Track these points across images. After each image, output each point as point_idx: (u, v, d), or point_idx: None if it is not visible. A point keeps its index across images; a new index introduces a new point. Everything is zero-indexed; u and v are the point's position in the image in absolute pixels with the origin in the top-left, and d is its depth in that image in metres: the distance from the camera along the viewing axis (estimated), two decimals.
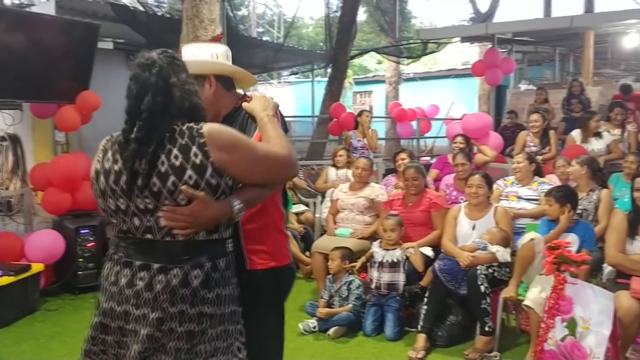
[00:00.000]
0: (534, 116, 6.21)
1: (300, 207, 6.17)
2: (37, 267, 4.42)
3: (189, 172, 1.58)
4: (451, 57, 20.88)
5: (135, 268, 1.63)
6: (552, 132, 6.25)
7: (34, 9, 5.70)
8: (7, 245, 4.51)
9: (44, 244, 4.58)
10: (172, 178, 1.58)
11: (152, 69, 1.63)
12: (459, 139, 5.80)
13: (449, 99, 14.24)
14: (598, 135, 5.84)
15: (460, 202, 4.30)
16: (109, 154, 1.67)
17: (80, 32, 5.03)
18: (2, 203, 5.04)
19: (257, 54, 8.96)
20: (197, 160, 1.59)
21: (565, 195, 3.74)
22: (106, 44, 6.46)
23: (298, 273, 5.46)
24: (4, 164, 6.66)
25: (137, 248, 1.66)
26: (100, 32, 5.29)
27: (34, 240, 4.59)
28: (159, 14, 7.80)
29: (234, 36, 7.51)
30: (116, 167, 1.65)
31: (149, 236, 1.63)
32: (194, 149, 1.59)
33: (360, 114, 7.38)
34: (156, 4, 9.51)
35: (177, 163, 1.59)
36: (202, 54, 1.99)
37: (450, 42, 11.33)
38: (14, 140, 6.59)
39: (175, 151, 1.59)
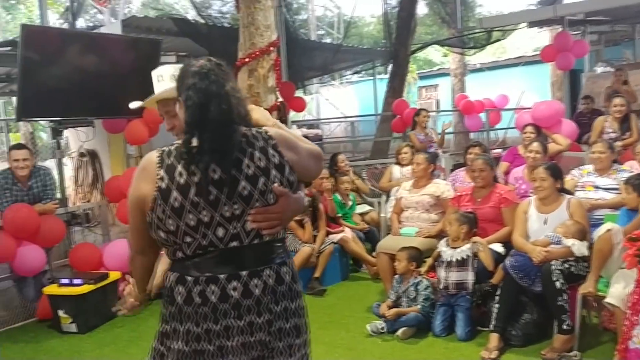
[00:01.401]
0: (618, 100, 5.80)
1: (364, 207, 6.13)
2: (114, 275, 4.63)
3: (273, 171, 1.64)
4: (522, 44, 20.06)
5: (222, 281, 1.59)
6: (632, 116, 5.83)
7: (102, 29, 6.02)
8: (87, 256, 4.77)
9: (121, 252, 4.79)
10: (262, 179, 1.63)
11: (210, 77, 1.61)
12: (529, 128, 5.56)
13: (520, 87, 13.69)
14: None
15: (530, 196, 4.10)
16: (179, 169, 1.58)
17: (144, 48, 5.25)
18: (81, 215, 5.33)
19: (317, 57, 9.01)
20: (276, 160, 1.66)
21: None
22: (169, 58, 6.71)
23: (364, 274, 5.42)
24: (84, 178, 7.09)
25: (220, 260, 1.61)
26: (163, 47, 5.49)
27: (111, 250, 4.82)
28: (221, 25, 7.99)
29: (293, 41, 7.58)
30: (195, 179, 1.57)
31: (234, 244, 1.61)
32: (270, 150, 1.66)
33: (418, 113, 7.23)
34: (220, 14, 9.77)
35: (262, 164, 1.63)
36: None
37: (517, 28, 10.86)
38: (92, 155, 7.00)
39: (257, 153, 1.63)
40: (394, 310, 3.98)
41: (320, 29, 12.42)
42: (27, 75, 4.47)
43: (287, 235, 1.80)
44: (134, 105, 2.09)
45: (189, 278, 1.61)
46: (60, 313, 4.34)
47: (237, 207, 1.59)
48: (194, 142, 1.57)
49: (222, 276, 1.59)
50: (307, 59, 8.61)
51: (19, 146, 5.03)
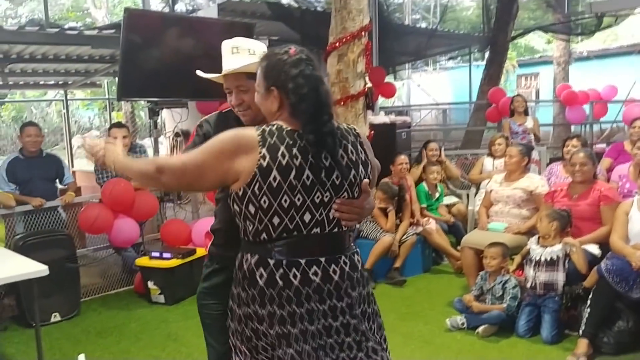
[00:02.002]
0: None
1: (452, 199, 5.93)
2: (201, 252, 4.82)
3: (361, 167, 1.70)
4: (636, 30, 18.44)
5: (302, 266, 1.62)
6: None
7: (199, 13, 6.22)
8: (177, 231, 5.00)
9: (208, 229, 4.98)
10: (352, 171, 1.68)
11: (310, 64, 1.64)
12: (638, 123, 5.11)
13: (631, 78, 12.60)
14: None
15: (634, 196, 3.76)
16: (282, 149, 1.58)
17: (238, 32, 5.29)
18: (173, 192, 5.58)
19: (410, 41, 8.80)
20: (362, 157, 1.72)
21: None
22: (262, 42, 6.83)
23: (447, 267, 5.27)
24: None
25: (301, 245, 1.63)
26: (256, 31, 5.57)
27: (199, 227, 5.02)
28: (314, 9, 7.99)
29: (386, 25, 7.44)
30: (297, 162, 1.59)
31: (316, 230, 1.63)
32: (359, 147, 1.73)
33: (513, 99, 6.91)
34: None
35: (354, 158, 1.69)
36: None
37: (632, 13, 9.97)
38: (186, 135, 7.29)
39: (350, 146, 1.69)
40: (478, 305, 3.83)
41: (415, 13, 12.11)
42: (128, 57, 4.72)
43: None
44: (200, 74, 2.09)
45: (271, 261, 1.62)
46: (150, 284, 4.60)
47: (327, 195, 1.63)
48: (306, 129, 1.60)
49: (302, 261, 1.62)
50: (400, 44, 8.42)
51: (118, 124, 5.36)
